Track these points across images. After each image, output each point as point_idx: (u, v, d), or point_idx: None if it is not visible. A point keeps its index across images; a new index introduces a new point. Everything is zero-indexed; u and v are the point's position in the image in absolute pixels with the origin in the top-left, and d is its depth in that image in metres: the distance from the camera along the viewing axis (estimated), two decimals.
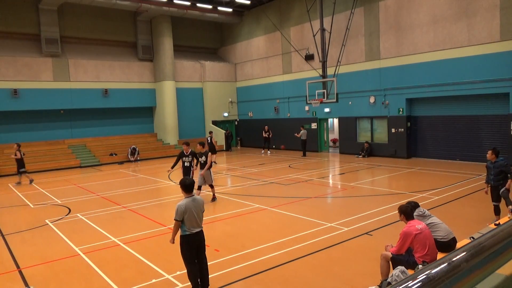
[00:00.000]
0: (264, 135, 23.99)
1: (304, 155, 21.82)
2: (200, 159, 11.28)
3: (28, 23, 22.38)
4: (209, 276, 6.14)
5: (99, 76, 24.22)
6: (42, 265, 7.06)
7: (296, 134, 22.09)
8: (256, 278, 6.08)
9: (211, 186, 11.57)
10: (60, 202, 12.54)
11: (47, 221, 10.13)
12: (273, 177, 15.30)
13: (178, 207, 5.40)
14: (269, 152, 23.66)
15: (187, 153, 11.30)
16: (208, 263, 6.66)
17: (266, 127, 24.17)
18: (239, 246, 7.52)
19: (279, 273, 6.24)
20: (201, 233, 5.61)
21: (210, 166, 11.25)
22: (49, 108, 22.63)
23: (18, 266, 7.04)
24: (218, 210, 10.69)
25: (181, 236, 5.49)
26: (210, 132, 21.31)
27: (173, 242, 5.65)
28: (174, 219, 5.43)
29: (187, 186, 5.57)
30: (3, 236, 9.00)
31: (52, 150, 22.30)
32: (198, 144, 11.63)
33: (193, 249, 5.56)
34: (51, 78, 22.56)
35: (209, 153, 11.43)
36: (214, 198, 11.65)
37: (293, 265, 6.52)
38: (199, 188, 11.27)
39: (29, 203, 12.60)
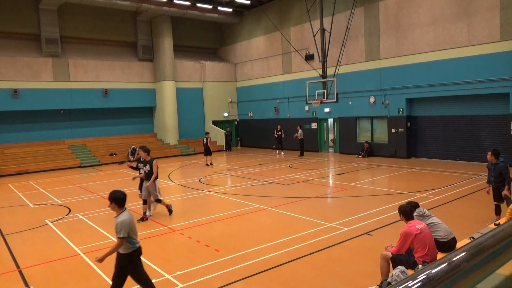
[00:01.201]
0: (275, 134, 23.04)
1: (302, 154, 21.73)
2: (144, 168, 9.81)
3: (28, 23, 22.39)
4: (209, 276, 6.16)
5: (99, 76, 24.22)
6: (42, 265, 7.06)
7: (296, 135, 21.92)
8: (256, 278, 6.08)
9: (158, 201, 10.08)
10: (60, 202, 12.54)
11: (47, 221, 10.13)
12: (273, 177, 15.30)
13: (121, 223, 4.79)
14: (282, 153, 22.84)
15: (142, 159, 9.90)
16: (208, 263, 6.68)
17: (278, 126, 23.26)
18: (239, 246, 7.52)
19: (279, 273, 6.24)
20: None
21: (156, 177, 9.76)
22: (49, 108, 22.64)
23: (18, 266, 7.03)
24: (218, 210, 10.68)
25: (134, 251, 4.92)
26: (207, 133, 20.85)
27: (102, 261, 4.90)
28: (121, 237, 4.76)
29: (121, 200, 5.01)
30: (3, 236, 9.00)
31: (52, 150, 22.30)
32: (140, 150, 9.99)
33: None
34: (51, 78, 22.56)
35: (154, 162, 9.75)
36: (170, 210, 10.18)
37: (293, 265, 6.52)
38: (157, 201, 10.08)
39: (29, 203, 12.60)
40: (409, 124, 18.82)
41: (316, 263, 6.59)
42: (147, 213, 9.97)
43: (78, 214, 10.67)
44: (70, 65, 23.19)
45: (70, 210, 11.23)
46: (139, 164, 10.03)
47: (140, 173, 10.01)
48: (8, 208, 12.06)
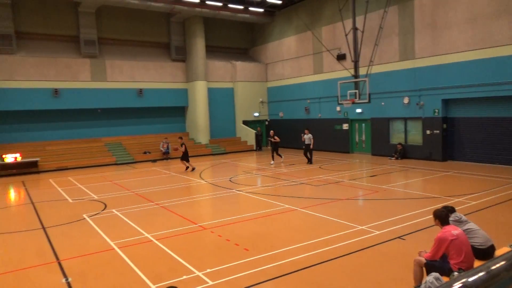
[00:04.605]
0: (272, 140, 20.20)
1: (310, 162, 19.18)
2: None
3: (68, 26, 23.41)
4: (239, 275, 6.21)
5: (134, 76, 24.96)
6: (79, 258, 7.36)
7: (303, 138, 19.40)
8: (285, 279, 6.08)
9: None
10: (96, 197, 13.04)
11: (84, 215, 10.56)
12: (303, 178, 15.22)
13: None
14: (271, 162, 19.94)
15: None
16: (238, 262, 6.75)
17: (272, 132, 20.88)
18: (268, 246, 7.54)
19: (309, 275, 6.21)
20: None
21: None
22: (87, 107, 23.58)
23: (57, 258, 7.38)
24: (248, 210, 10.76)
25: None
26: (180, 138, 19.35)
27: None
28: None
29: None
30: (44, 228, 9.47)
31: (90, 147, 23.21)
32: None
33: None
34: (89, 78, 23.48)
35: None
36: None
37: (323, 267, 6.47)
38: None
39: (68, 198, 13.17)
40: (445, 125, 18.18)
41: (346, 266, 6.51)
42: None
43: (113, 210, 11.06)
44: (107, 66, 24.04)
45: (106, 206, 11.65)
46: None
47: None
48: (49, 202, 12.67)
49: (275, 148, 20.24)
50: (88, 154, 22.52)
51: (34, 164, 19.97)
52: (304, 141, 19.27)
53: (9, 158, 19.39)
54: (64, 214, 10.96)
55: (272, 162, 19.99)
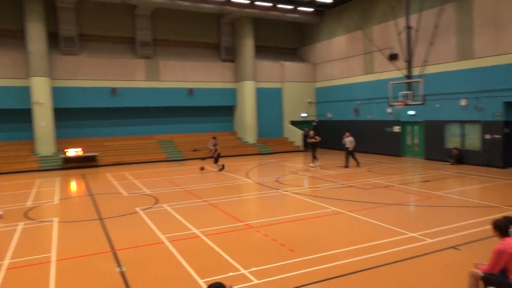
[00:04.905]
0: (309, 141, 19.60)
1: (347, 166, 18.47)
2: None
3: (125, 28, 24.69)
4: (283, 275, 6.23)
5: (185, 76, 25.79)
6: (132, 249, 7.76)
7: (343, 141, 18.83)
8: (331, 282, 6.01)
9: None
10: (149, 192, 13.64)
11: (137, 209, 11.10)
12: (351, 181, 14.91)
13: None
14: (312, 164, 19.07)
15: None
16: (283, 262, 6.77)
17: (311, 132, 20.18)
18: (314, 248, 7.49)
19: (356, 280, 6.09)
20: None
21: None
22: (141, 106, 24.73)
23: (112, 248, 7.83)
24: (294, 211, 10.74)
25: None
26: (214, 138, 18.84)
27: None
28: None
29: None
30: (101, 219, 10.08)
31: (143, 144, 24.34)
32: None
33: None
34: (144, 78, 24.60)
35: None
36: None
37: (371, 273, 6.32)
38: None
39: (123, 192, 13.91)
40: (507, 130, 16.98)
41: (395, 274, 6.31)
42: None
43: (164, 205, 11.52)
44: (160, 66, 25.04)
45: (157, 201, 12.16)
46: None
47: None
48: (106, 195, 13.46)
49: (315, 148, 19.25)
50: (142, 150, 23.60)
51: (93, 158, 21.31)
52: (345, 144, 18.78)
53: (70, 152, 20.84)
54: (119, 206, 11.58)
55: (317, 163, 19.05)
